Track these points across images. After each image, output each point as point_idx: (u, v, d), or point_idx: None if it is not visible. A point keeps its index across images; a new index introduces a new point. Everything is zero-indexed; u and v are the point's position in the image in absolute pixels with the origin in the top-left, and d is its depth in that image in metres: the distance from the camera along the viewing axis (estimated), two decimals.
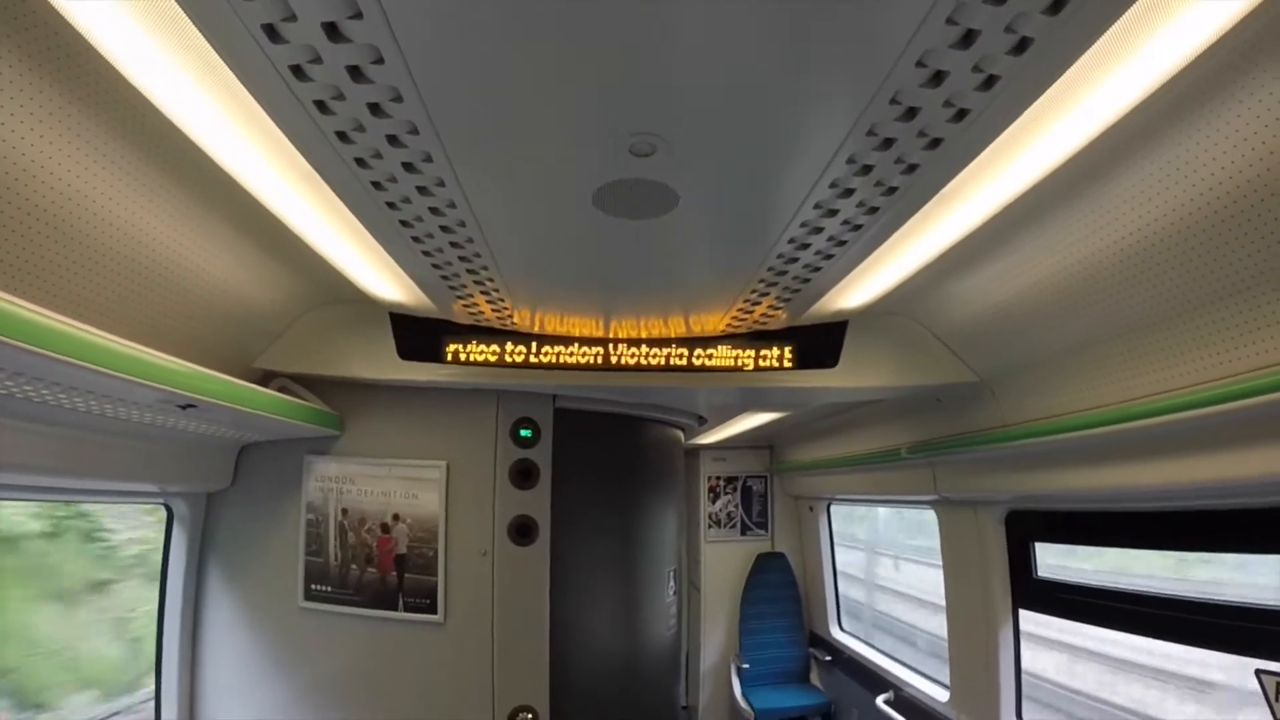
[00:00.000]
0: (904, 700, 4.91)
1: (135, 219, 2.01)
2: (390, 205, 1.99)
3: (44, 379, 1.88)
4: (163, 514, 3.50)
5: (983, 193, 1.97)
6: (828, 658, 6.35)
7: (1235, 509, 2.46)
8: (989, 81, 1.41)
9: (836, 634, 6.40)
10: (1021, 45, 1.30)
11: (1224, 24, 1.32)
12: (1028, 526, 3.56)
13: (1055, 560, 3.58)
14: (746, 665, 6.66)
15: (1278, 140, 1.53)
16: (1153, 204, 1.86)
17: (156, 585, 3.49)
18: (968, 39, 1.29)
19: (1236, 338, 2.00)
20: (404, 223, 2.11)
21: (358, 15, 1.23)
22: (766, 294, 2.72)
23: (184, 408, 2.43)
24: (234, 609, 3.56)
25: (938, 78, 1.41)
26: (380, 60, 1.36)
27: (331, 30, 1.28)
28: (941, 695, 4.40)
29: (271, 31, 1.28)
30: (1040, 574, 3.56)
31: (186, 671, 3.50)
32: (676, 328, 3.16)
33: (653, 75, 1.43)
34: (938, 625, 4.95)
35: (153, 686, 3.45)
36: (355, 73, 1.41)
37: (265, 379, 3.26)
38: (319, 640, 3.52)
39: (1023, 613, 3.67)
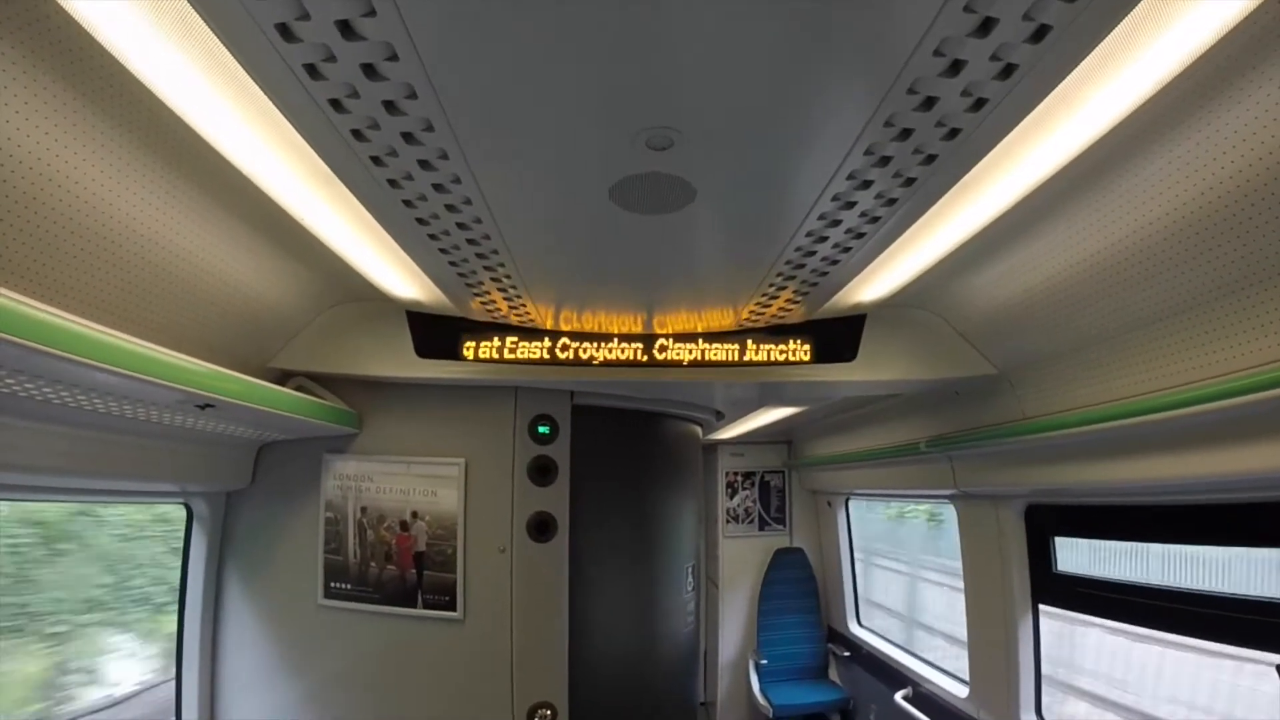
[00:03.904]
0: (923, 696, 4.88)
1: (153, 222, 2.03)
2: (406, 203, 2.00)
3: (64, 381, 1.90)
4: None
5: (1000, 184, 1.95)
6: (846, 653, 6.33)
7: (1259, 502, 2.43)
8: (1007, 70, 1.40)
9: (855, 629, 6.37)
10: (1040, 33, 1.29)
11: (1245, 7, 1.30)
12: (1047, 520, 3.53)
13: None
14: (765, 661, 6.65)
15: None
16: (1172, 193, 1.84)
17: None
18: (986, 27, 1.28)
19: (1261, 327, 1.97)
20: (420, 220, 2.11)
21: (371, 13, 1.23)
22: (784, 287, 2.71)
23: (202, 408, 2.45)
24: (254, 607, 3.59)
25: (956, 67, 1.40)
26: (394, 57, 1.36)
27: (345, 28, 1.28)
28: (961, 691, 4.38)
29: (285, 30, 1.28)
30: (1059, 568, 3.53)
31: (207, 668, 3.53)
32: (693, 322, 3.15)
33: (668, 68, 1.42)
34: None
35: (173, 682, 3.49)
36: (370, 70, 1.41)
37: (282, 378, 3.28)
38: (338, 637, 3.55)
39: None
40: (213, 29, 1.30)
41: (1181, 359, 2.26)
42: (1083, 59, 1.37)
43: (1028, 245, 2.34)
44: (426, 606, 3.52)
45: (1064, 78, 1.43)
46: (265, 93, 1.49)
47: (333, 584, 3.57)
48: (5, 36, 1.38)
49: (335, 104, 1.52)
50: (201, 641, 3.50)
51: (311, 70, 1.40)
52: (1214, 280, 2.01)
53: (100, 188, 1.81)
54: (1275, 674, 2.36)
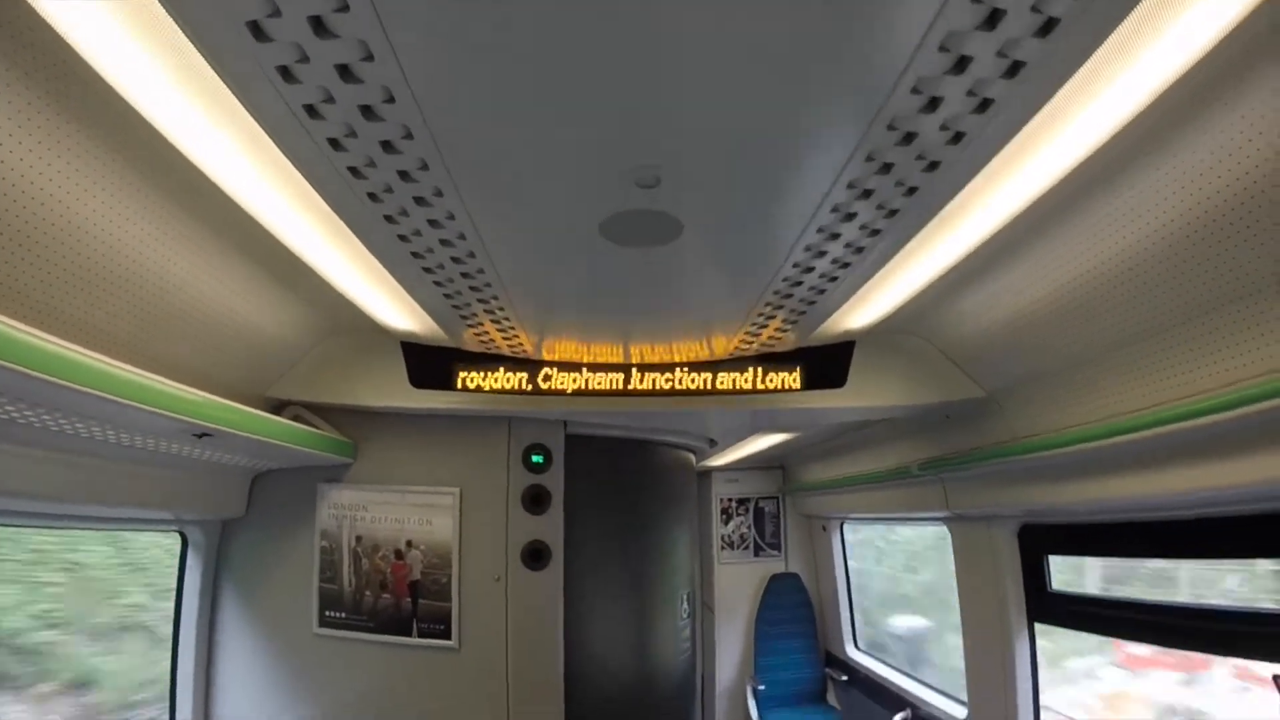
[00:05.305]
0: (921, 719, 4.86)
1: (153, 253, 2.06)
2: (402, 238, 2.03)
3: (62, 408, 1.93)
4: None
5: (983, 211, 1.99)
6: (844, 677, 6.29)
7: (1251, 514, 2.44)
8: (984, 104, 1.44)
9: (852, 653, 6.33)
10: (1014, 68, 1.33)
11: (1211, 38, 1.34)
12: (1041, 540, 3.54)
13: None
14: (762, 687, 6.59)
15: (1271, 148, 1.55)
16: (1151, 215, 1.88)
17: None
18: (961, 65, 1.32)
19: (1245, 342, 1.99)
20: (415, 254, 2.15)
21: (369, 57, 1.28)
22: (774, 316, 2.74)
23: (199, 436, 2.46)
24: (249, 636, 3.58)
25: (933, 103, 1.44)
26: (391, 100, 1.40)
27: (344, 72, 1.32)
28: (959, 712, 4.36)
29: (285, 72, 1.33)
30: (1054, 587, 3.54)
31: (201, 698, 3.51)
32: (685, 352, 3.19)
33: (655, 108, 1.47)
34: None
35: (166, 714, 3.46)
36: (368, 112, 1.45)
37: (278, 408, 3.30)
38: (334, 667, 3.54)
39: None
40: (214, 69, 1.34)
41: (1167, 375, 2.28)
42: (1057, 91, 1.42)
43: (1012, 269, 2.37)
44: (422, 635, 3.51)
45: (1040, 109, 1.47)
46: (265, 131, 1.53)
47: (328, 613, 3.56)
48: (9, 70, 1.42)
49: (334, 143, 1.56)
50: (195, 670, 3.48)
51: (311, 110, 1.44)
52: (1196, 297, 2.04)
53: (101, 218, 1.84)
54: (1274, 684, 2.37)
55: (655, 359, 3.25)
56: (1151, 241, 1.96)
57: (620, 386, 3.27)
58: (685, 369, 3.27)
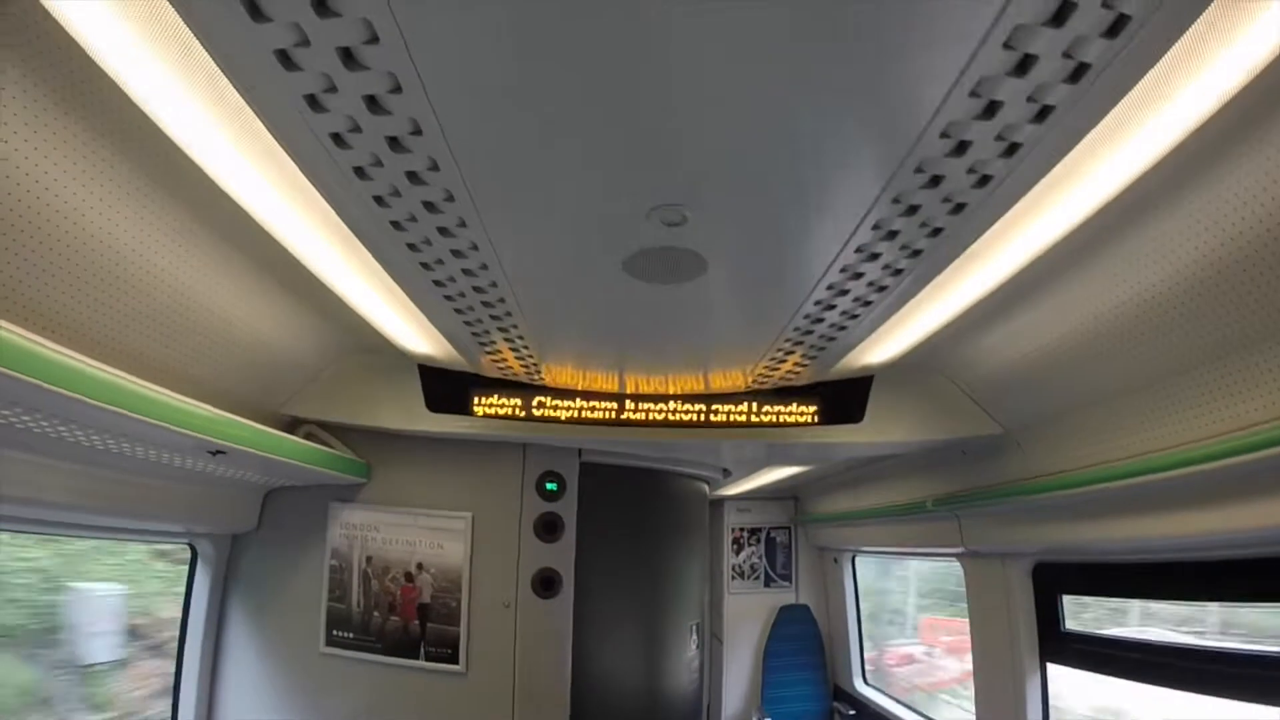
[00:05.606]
0: None
1: (174, 269, 2.08)
2: (424, 265, 2.04)
3: (78, 421, 1.93)
4: None
5: (1006, 251, 1.98)
6: (851, 712, 6.20)
7: (1268, 558, 2.40)
8: (1012, 149, 1.43)
9: (860, 687, 6.25)
10: (1043, 113, 1.32)
11: (1242, 78, 1.32)
12: (1055, 578, 3.49)
13: None
14: (769, 719, 6.52)
15: None
16: (1175, 255, 1.86)
17: None
18: (991, 110, 1.32)
19: (1266, 384, 1.97)
20: (437, 282, 2.16)
21: (397, 89, 1.28)
22: (792, 352, 2.73)
23: (214, 453, 2.47)
24: (255, 651, 3.57)
25: (962, 147, 1.43)
26: (419, 132, 1.40)
27: (371, 102, 1.33)
28: None
29: (313, 101, 1.33)
30: (1067, 626, 3.48)
31: (204, 711, 3.50)
32: (703, 384, 3.18)
33: (682, 148, 1.47)
34: None
35: None
36: (394, 143, 1.45)
37: (293, 424, 3.31)
38: (339, 686, 3.52)
39: None
40: (242, 95, 1.34)
41: (1187, 416, 2.25)
42: (1085, 136, 1.41)
43: (1034, 307, 2.36)
44: (429, 658, 3.50)
45: (1066, 153, 1.47)
46: (290, 156, 1.54)
47: (335, 632, 3.56)
48: (39, 85, 1.43)
49: (359, 171, 1.56)
50: (199, 684, 3.48)
51: (337, 139, 1.45)
52: (1218, 338, 2.01)
53: (123, 233, 1.86)
54: None
55: (673, 390, 3.24)
56: (1175, 280, 1.93)
57: (637, 417, 3.26)
58: (702, 401, 3.25)
